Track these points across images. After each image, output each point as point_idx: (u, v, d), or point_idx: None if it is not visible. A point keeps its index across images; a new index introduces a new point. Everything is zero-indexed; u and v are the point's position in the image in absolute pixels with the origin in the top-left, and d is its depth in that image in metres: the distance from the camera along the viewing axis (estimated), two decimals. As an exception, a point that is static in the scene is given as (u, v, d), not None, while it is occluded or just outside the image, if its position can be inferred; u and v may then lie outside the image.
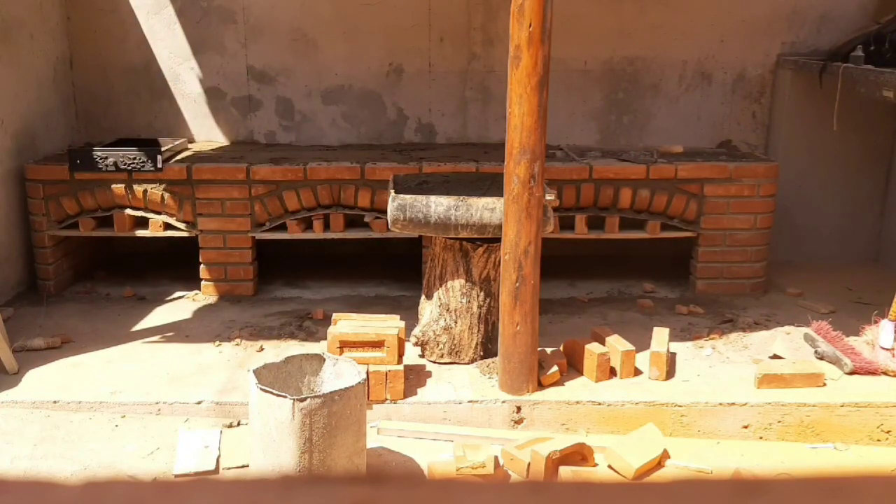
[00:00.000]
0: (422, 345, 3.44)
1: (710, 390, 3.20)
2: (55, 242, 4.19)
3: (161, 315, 4.00)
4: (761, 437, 3.10)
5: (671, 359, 3.40)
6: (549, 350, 3.35)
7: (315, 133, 4.83)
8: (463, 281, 3.36)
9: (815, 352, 3.49)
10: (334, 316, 3.36)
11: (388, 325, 3.21)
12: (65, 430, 3.01)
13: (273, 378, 2.62)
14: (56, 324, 3.83)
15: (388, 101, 4.81)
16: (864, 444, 3.09)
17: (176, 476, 2.72)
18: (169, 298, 4.23)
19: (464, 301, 3.37)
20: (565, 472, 2.72)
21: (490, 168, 4.07)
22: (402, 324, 3.24)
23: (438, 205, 3.24)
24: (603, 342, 3.35)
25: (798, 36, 4.77)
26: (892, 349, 3.36)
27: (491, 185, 3.45)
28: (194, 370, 3.38)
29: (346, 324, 3.23)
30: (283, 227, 4.21)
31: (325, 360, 2.76)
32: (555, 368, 3.23)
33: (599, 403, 3.12)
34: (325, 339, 3.24)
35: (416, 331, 3.44)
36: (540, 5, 2.84)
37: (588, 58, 4.76)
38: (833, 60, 4.33)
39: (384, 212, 3.57)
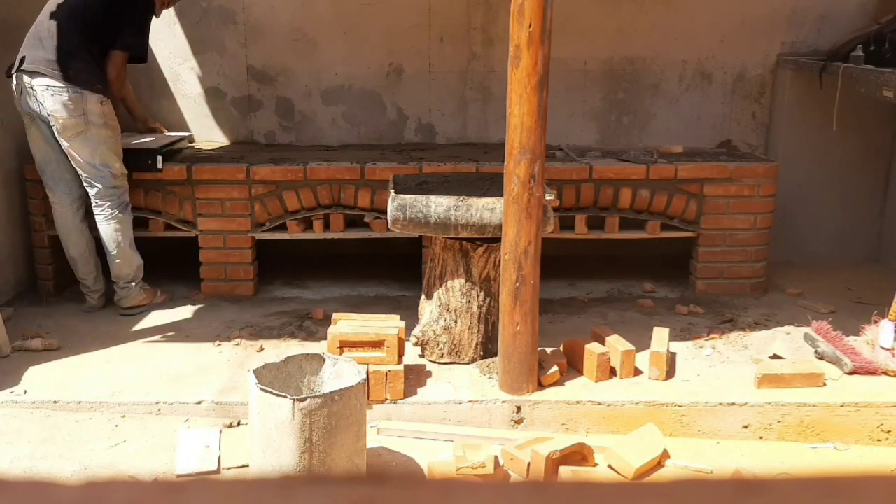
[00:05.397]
0: (422, 345, 3.44)
1: (710, 390, 3.20)
2: (55, 242, 4.17)
3: (161, 315, 4.00)
4: (761, 437, 3.10)
5: (671, 359, 3.40)
6: (549, 350, 3.35)
7: (315, 133, 4.83)
8: (463, 281, 3.36)
9: (815, 352, 3.49)
10: (334, 316, 3.36)
11: (388, 325, 3.21)
12: (65, 430, 3.01)
13: (273, 378, 2.62)
14: (56, 323, 3.83)
15: (388, 101, 4.80)
16: (864, 444, 3.09)
17: (178, 476, 2.72)
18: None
19: (464, 301, 3.37)
20: (565, 472, 2.72)
21: (490, 168, 4.07)
22: (402, 324, 3.24)
23: (438, 205, 3.24)
24: (603, 342, 3.35)
25: (798, 36, 4.77)
26: (892, 349, 3.36)
27: (491, 185, 3.45)
28: (194, 370, 3.38)
29: (346, 324, 3.23)
30: (283, 227, 4.21)
31: (325, 360, 2.76)
32: (555, 368, 3.23)
33: (599, 403, 3.12)
34: (325, 339, 3.24)
35: (416, 331, 3.44)
36: (540, 5, 2.84)
37: (588, 58, 4.76)
38: (833, 60, 4.33)
39: (384, 212, 3.57)
